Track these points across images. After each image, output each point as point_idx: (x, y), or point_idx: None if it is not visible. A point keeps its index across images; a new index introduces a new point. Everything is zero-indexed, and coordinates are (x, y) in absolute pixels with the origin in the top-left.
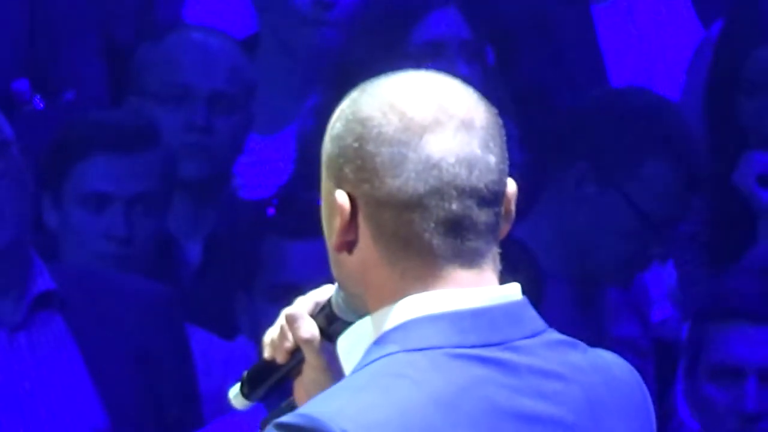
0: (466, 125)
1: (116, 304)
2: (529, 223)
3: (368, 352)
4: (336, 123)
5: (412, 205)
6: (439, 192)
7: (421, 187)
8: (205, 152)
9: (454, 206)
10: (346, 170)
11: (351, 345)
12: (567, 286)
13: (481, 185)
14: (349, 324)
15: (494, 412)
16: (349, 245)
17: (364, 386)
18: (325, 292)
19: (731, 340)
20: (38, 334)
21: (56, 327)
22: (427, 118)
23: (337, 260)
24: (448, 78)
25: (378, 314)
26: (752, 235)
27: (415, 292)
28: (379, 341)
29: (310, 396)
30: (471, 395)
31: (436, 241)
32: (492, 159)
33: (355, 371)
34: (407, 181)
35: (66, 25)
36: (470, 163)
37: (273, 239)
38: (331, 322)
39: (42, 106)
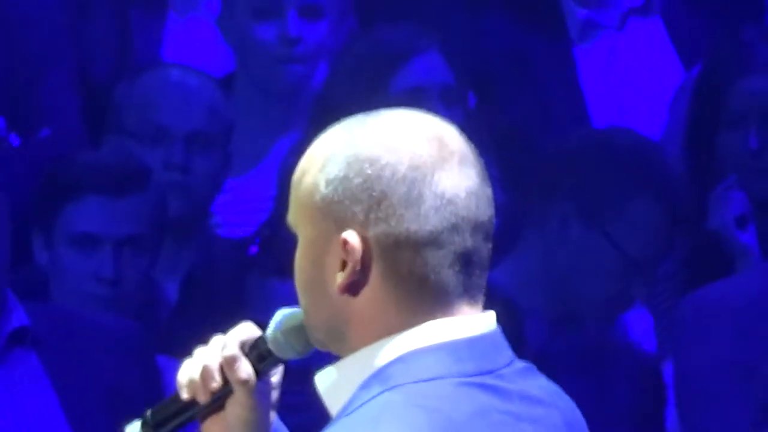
0: (465, 160)
1: (89, 341)
2: (510, 263)
3: (367, 386)
4: (329, 165)
5: (430, 243)
6: (455, 228)
7: (439, 224)
8: (183, 191)
9: (468, 242)
10: (355, 211)
11: (336, 381)
12: (548, 325)
13: (485, 218)
14: (278, 361)
15: None
16: (356, 286)
17: (380, 419)
18: (245, 331)
19: None
20: (12, 370)
21: (30, 363)
22: (434, 155)
23: (319, 299)
24: (431, 115)
25: (369, 349)
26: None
27: (412, 327)
28: (378, 375)
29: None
30: (479, 422)
31: (450, 278)
32: (490, 192)
33: (359, 406)
34: (426, 219)
35: (41, 62)
36: (477, 197)
37: (255, 278)
38: (261, 360)
39: (17, 143)
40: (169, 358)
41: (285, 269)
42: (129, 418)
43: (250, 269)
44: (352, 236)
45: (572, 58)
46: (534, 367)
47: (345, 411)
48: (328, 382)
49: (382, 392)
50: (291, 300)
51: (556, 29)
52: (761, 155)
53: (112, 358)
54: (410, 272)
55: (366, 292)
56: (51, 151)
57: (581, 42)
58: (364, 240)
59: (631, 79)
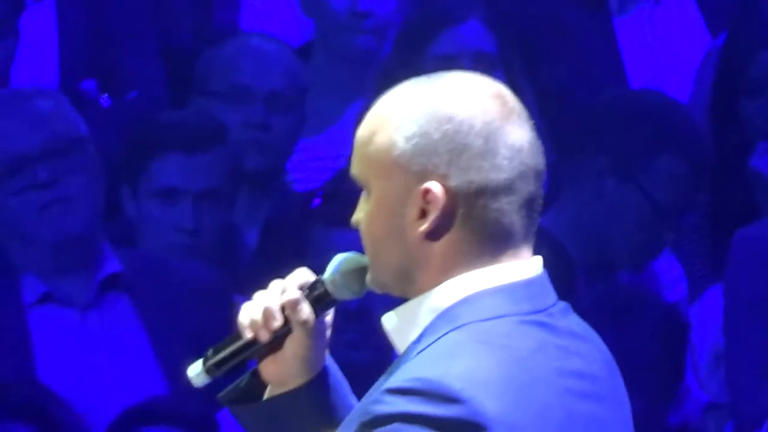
0: (522, 115)
1: (174, 284)
2: (551, 214)
3: (434, 326)
4: (405, 124)
5: (504, 190)
6: (523, 176)
7: (512, 172)
8: (262, 148)
9: (532, 188)
10: (436, 163)
11: (402, 320)
12: (584, 272)
13: (542, 167)
14: (334, 302)
15: (556, 370)
16: (436, 233)
17: (456, 354)
18: (302, 276)
19: None
20: (107, 312)
21: (122, 305)
22: (500, 110)
23: (393, 245)
24: (484, 76)
25: (436, 291)
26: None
27: (474, 268)
28: (445, 315)
29: (290, 369)
30: (540, 356)
31: (517, 222)
32: (540, 144)
33: (429, 345)
34: (501, 168)
35: (128, 30)
36: (536, 148)
37: (319, 227)
38: (319, 301)
39: (108, 104)
40: (247, 298)
41: (344, 220)
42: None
43: (314, 220)
44: (435, 186)
45: (612, 28)
46: (570, 307)
47: (414, 350)
48: (395, 322)
49: (450, 331)
50: (348, 247)
51: (598, 2)
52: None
53: (194, 300)
54: (485, 218)
55: (444, 238)
56: (137, 112)
57: (620, 14)
58: (446, 189)
59: (664, 47)
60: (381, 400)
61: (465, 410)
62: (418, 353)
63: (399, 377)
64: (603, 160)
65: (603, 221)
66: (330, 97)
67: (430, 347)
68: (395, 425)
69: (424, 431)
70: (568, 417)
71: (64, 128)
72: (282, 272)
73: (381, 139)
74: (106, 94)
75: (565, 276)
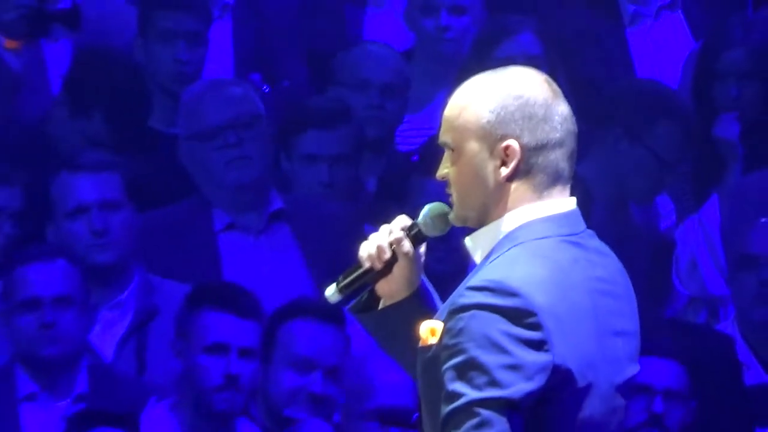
0: (562, 95)
1: (321, 218)
2: (583, 166)
3: (501, 244)
4: (489, 100)
5: (559, 144)
6: (570, 134)
7: (563, 132)
8: (378, 122)
9: (573, 145)
10: (513, 127)
11: (478, 241)
12: (604, 204)
13: (577, 131)
14: (426, 238)
15: (586, 276)
16: (513, 177)
17: (515, 263)
18: (402, 221)
19: None
20: (273, 237)
21: (284, 233)
22: (551, 91)
23: (479, 189)
24: (535, 70)
25: (502, 220)
26: (721, 173)
27: (529, 204)
28: (509, 236)
29: (397, 287)
30: (575, 266)
31: (565, 168)
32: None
33: (496, 257)
34: (557, 129)
35: (283, 38)
36: (573, 118)
37: (416, 176)
38: (416, 238)
39: (267, 91)
40: (372, 227)
41: (433, 172)
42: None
43: (413, 171)
44: (514, 143)
45: (624, 35)
46: (594, 234)
47: (487, 261)
48: (474, 243)
49: (511, 248)
50: (436, 192)
51: (615, 16)
52: (739, 99)
53: (334, 229)
54: (546, 165)
55: (516, 181)
56: (288, 98)
57: (631, 26)
58: (521, 146)
59: (661, 49)
60: (463, 294)
61: (521, 302)
62: (490, 263)
63: (476, 279)
64: (619, 129)
65: (620, 171)
66: (425, 86)
67: (497, 258)
68: (473, 312)
69: (492, 316)
70: (594, 308)
71: (248, 107)
72: (393, 208)
73: (470, 113)
74: (267, 84)
75: (584, 206)
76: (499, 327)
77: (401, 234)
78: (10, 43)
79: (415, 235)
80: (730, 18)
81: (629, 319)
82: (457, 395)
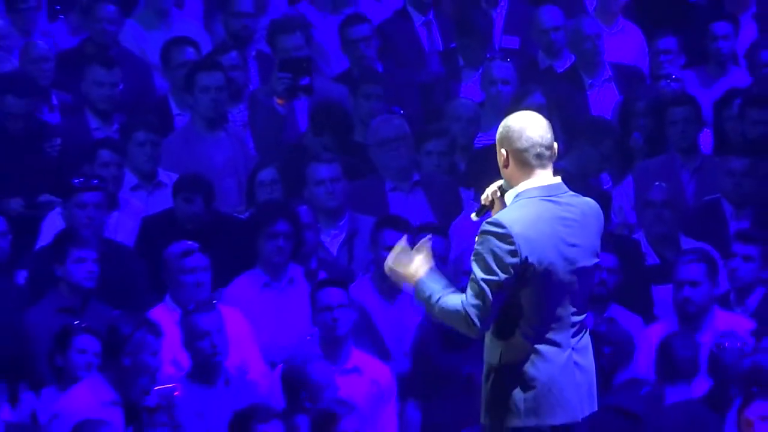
0: (537, 125)
1: (439, 184)
2: (564, 162)
3: (513, 200)
4: (501, 129)
5: (529, 149)
6: (533, 145)
7: (527, 144)
8: (465, 135)
9: (538, 149)
10: (506, 143)
11: (508, 197)
12: (577, 180)
13: (547, 142)
14: (504, 192)
15: (553, 216)
16: (508, 166)
17: (511, 210)
18: (497, 184)
19: None
20: (415, 195)
21: (420, 193)
22: (527, 123)
23: (504, 172)
24: (534, 113)
25: (515, 189)
26: (634, 161)
27: (525, 180)
28: (516, 197)
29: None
30: (546, 211)
31: (534, 161)
32: (549, 135)
33: (510, 205)
34: (523, 141)
35: (398, 75)
36: (544, 136)
37: (483, 162)
38: (502, 191)
39: (403, 114)
40: (465, 189)
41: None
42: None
43: (482, 162)
44: (504, 151)
45: (586, 95)
46: (578, 195)
47: (503, 210)
48: (507, 199)
49: (514, 202)
50: (495, 170)
51: (580, 86)
52: (641, 125)
53: (444, 190)
54: (521, 160)
55: (511, 167)
56: (411, 120)
57: (589, 90)
58: (508, 152)
59: (604, 101)
60: (483, 226)
61: (505, 231)
62: (503, 211)
63: (490, 218)
64: (582, 140)
65: (583, 162)
66: (490, 120)
67: (506, 208)
68: (484, 235)
69: (491, 238)
70: (554, 232)
71: (403, 127)
72: (476, 179)
73: (497, 137)
74: (402, 110)
75: (567, 181)
76: (493, 243)
77: (496, 188)
78: (280, 101)
79: (502, 190)
80: (639, 88)
81: (585, 238)
82: (473, 273)
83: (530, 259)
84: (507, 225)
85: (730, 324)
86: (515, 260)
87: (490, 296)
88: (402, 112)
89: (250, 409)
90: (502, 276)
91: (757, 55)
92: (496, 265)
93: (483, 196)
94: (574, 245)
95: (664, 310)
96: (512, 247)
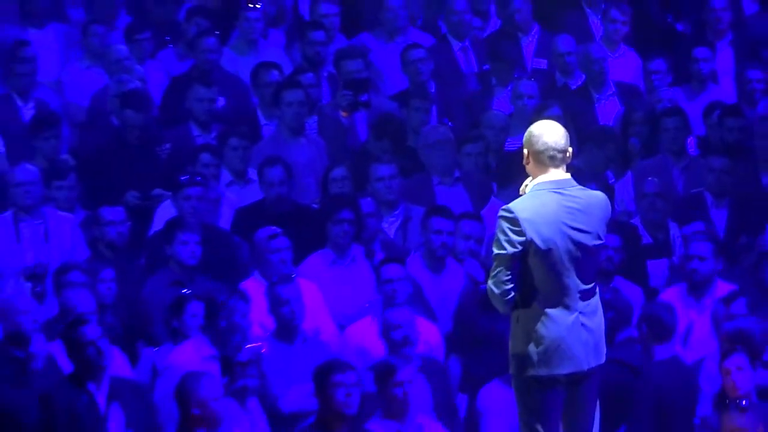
0: (555, 131)
1: (475, 180)
2: (577, 161)
3: (531, 190)
4: (526, 134)
5: (544, 151)
6: (547, 148)
7: (543, 147)
8: (497, 142)
9: (551, 152)
10: (528, 145)
11: (528, 189)
12: (587, 177)
13: (561, 146)
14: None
15: (559, 205)
16: (530, 163)
17: (523, 199)
18: (527, 181)
19: None
20: (456, 188)
21: (460, 187)
22: (545, 130)
23: (527, 168)
24: (553, 121)
25: (533, 182)
26: (632, 161)
27: (541, 175)
28: (534, 188)
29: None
30: (553, 201)
31: (548, 162)
32: (563, 141)
33: (524, 196)
34: (539, 145)
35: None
36: (558, 141)
37: (512, 162)
38: (527, 185)
39: (451, 125)
40: (495, 183)
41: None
42: None
43: (513, 161)
44: (526, 150)
45: (594, 108)
46: (585, 188)
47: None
48: (527, 190)
49: (532, 192)
50: (522, 170)
51: (589, 99)
52: (638, 133)
53: (480, 185)
54: (538, 160)
55: (531, 165)
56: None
57: (597, 103)
58: (529, 152)
59: (609, 112)
60: (500, 211)
61: (514, 215)
62: (518, 198)
63: (506, 205)
64: (591, 144)
65: (591, 162)
66: (517, 128)
67: (522, 196)
68: (499, 220)
69: (503, 222)
70: (557, 218)
71: (448, 134)
72: (506, 176)
73: (524, 140)
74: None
75: (577, 177)
76: (505, 225)
77: (528, 182)
78: (344, 113)
79: (526, 185)
80: (636, 101)
81: (588, 223)
82: (494, 250)
83: (534, 239)
84: (515, 211)
85: (727, 290)
86: (522, 239)
87: (503, 267)
88: (451, 124)
89: (329, 363)
90: (511, 250)
91: (743, 74)
92: (507, 243)
93: (521, 188)
94: (576, 228)
95: (657, 280)
96: (518, 228)
